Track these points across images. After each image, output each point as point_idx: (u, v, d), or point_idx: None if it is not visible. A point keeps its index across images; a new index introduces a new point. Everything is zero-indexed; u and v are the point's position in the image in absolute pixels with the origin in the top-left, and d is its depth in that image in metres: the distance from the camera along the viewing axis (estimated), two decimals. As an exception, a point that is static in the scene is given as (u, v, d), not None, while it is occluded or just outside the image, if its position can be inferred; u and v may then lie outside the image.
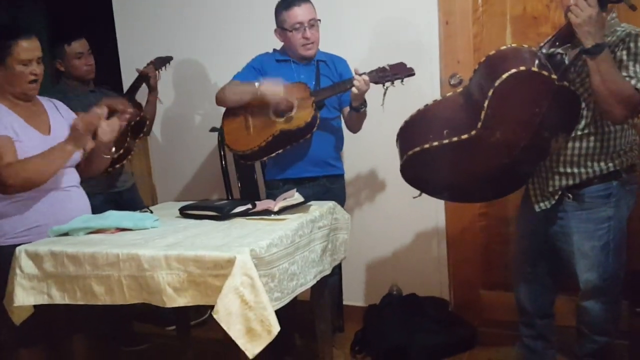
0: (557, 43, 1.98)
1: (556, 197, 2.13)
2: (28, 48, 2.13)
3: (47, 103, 2.32)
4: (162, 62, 3.07)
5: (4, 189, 2.06)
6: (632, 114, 1.93)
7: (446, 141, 1.98)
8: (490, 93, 1.87)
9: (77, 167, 2.32)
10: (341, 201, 2.63)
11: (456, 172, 2.09)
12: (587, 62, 1.89)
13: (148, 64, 3.03)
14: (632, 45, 1.92)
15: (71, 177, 2.25)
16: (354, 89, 2.40)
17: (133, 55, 3.46)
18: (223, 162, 3.07)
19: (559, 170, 2.10)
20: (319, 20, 2.54)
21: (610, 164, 2.06)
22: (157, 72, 3.03)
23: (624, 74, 1.89)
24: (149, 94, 3.05)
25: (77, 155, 2.27)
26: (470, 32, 2.84)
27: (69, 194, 2.22)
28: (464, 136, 1.95)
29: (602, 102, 1.91)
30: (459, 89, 2.13)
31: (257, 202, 2.20)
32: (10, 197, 2.10)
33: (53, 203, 2.16)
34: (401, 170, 2.18)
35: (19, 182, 2.04)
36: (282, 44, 2.64)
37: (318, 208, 2.16)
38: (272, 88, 2.42)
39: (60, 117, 2.30)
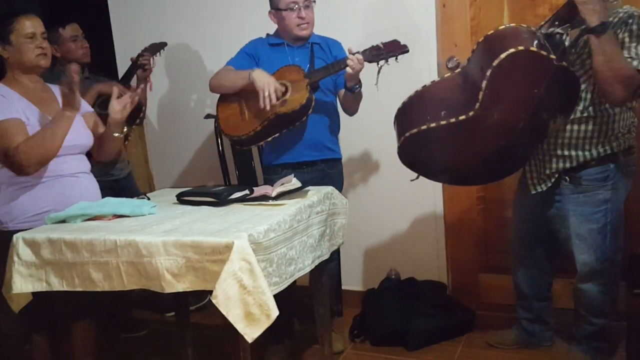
0: (557, 23, 1.96)
1: (552, 179, 2.13)
2: (29, 23, 2.16)
3: (57, 90, 2.30)
4: (156, 48, 3.05)
5: (21, 170, 2.08)
6: (632, 96, 1.92)
7: (444, 122, 1.97)
8: (488, 73, 1.85)
9: (89, 155, 2.32)
10: (339, 186, 2.63)
11: (454, 154, 2.09)
12: (591, 41, 1.87)
13: (142, 51, 3.01)
14: (634, 27, 1.90)
15: (81, 164, 2.26)
16: (348, 69, 2.38)
17: (128, 42, 3.45)
18: (220, 148, 3.05)
19: (556, 153, 2.10)
20: (314, 1, 2.52)
21: (608, 147, 2.05)
22: (152, 58, 3.01)
23: (626, 54, 1.88)
24: (139, 82, 3.03)
25: (89, 141, 2.28)
26: (468, 15, 2.83)
27: (79, 180, 2.23)
28: (462, 117, 1.94)
29: (603, 83, 1.89)
30: (458, 70, 2.11)
31: (254, 188, 2.19)
32: (21, 182, 2.11)
33: (63, 189, 2.16)
34: (398, 153, 2.17)
35: (33, 160, 2.06)
36: (275, 28, 2.62)
37: (316, 193, 2.16)
38: (264, 76, 2.39)
39: None
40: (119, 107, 2.24)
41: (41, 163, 2.09)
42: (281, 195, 2.08)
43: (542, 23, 2.03)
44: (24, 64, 2.18)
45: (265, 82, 2.37)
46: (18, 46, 2.15)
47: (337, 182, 2.62)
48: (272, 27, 2.64)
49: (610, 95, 1.92)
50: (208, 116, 3.06)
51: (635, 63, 1.86)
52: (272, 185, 2.17)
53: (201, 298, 3.22)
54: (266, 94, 2.35)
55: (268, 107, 2.36)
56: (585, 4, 1.82)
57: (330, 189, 2.26)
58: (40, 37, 2.18)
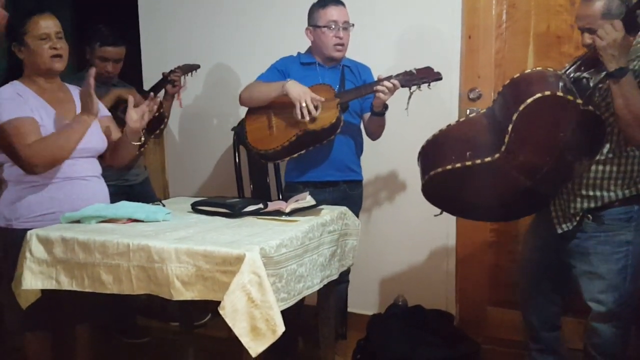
0: (583, 67, 1.98)
1: (577, 218, 2.12)
2: (43, 23, 2.12)
3: (76, 91, 2.30)
4: (188, 68, 3.06)
5: (31, 169, 2.06)
6: None
7: (469, 163, 1.97)
8: (514, 117, 1.86)
9: (102, 157, 2.31)
10: (358, 208, 2.62)
11: (478, 193, 2.09)
12: (610, 85, 1.89)
13: (175, 68, 3.02)
14: None
15: (92, 167, 2.25)
16: (378, 94, 2.38)
17: (155, 54, 3.51)
18: (237, 162, 3.07)
19: (581, 193, 2.09)
20: (352, 24, 2.53)
21: (633, 189, 2.05)
22: (183, 76, 3.02)
23: None
24: (167, 95, 3.06)
25: (102, 145, 2.27)
26: (493, 48, 2.84)
27: (89, 184, 2.22)
28: (487, 159, 1.94)
29: (624, 126, 1.90)
30: (483, 110, 2.12)
31: (268, 203, 2.20)
32: (29, 181, 2.10)
33: (71, 191, 2.15)
34: (422, 190, 2.18)
35: (43, 160, 2.05)
36: (307, 47, 2.63)
37: (329, 212, 2.16)
38: (299, 87, 2.38)
39: None
40: (136, 116, 2.20)
41: (52, 164, 2.08)
42: (295, 212, 2.08)
43: (568, 66, 2.04)
44: (38, 65, 2.14)
45: (301, 92, 2.36)
46: (33, 48, 2.11)
47: (357, 204, 2.62)
48: (303, 45, 2.66)
49: (631, 138, 1.93)
50: (235, 129, 3.07)
51: None
52: (287, 202, 2.17)
53: (201, 316, 3.19)
54: (303, 104, 2.35)
55: (307, 118, 2.36)
56: (606, 49, 1.85)
57: (343, 209, 2.26)
58: (55, 37, 2.13)
